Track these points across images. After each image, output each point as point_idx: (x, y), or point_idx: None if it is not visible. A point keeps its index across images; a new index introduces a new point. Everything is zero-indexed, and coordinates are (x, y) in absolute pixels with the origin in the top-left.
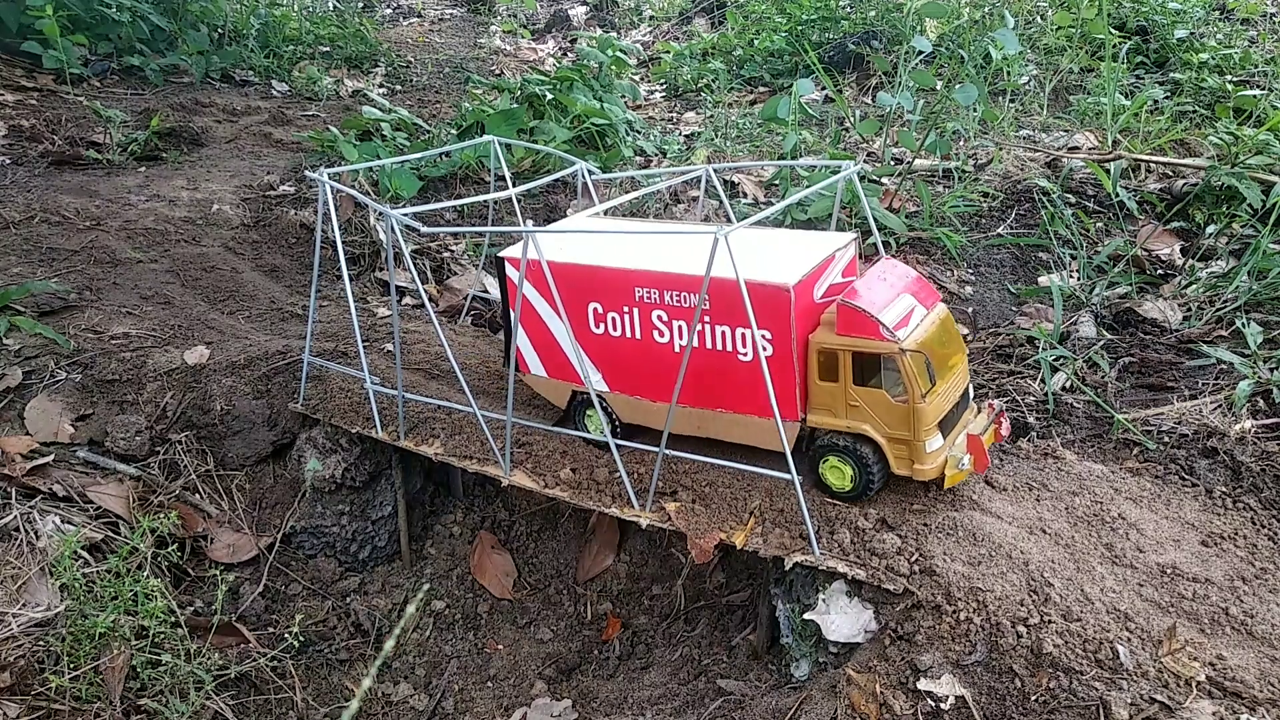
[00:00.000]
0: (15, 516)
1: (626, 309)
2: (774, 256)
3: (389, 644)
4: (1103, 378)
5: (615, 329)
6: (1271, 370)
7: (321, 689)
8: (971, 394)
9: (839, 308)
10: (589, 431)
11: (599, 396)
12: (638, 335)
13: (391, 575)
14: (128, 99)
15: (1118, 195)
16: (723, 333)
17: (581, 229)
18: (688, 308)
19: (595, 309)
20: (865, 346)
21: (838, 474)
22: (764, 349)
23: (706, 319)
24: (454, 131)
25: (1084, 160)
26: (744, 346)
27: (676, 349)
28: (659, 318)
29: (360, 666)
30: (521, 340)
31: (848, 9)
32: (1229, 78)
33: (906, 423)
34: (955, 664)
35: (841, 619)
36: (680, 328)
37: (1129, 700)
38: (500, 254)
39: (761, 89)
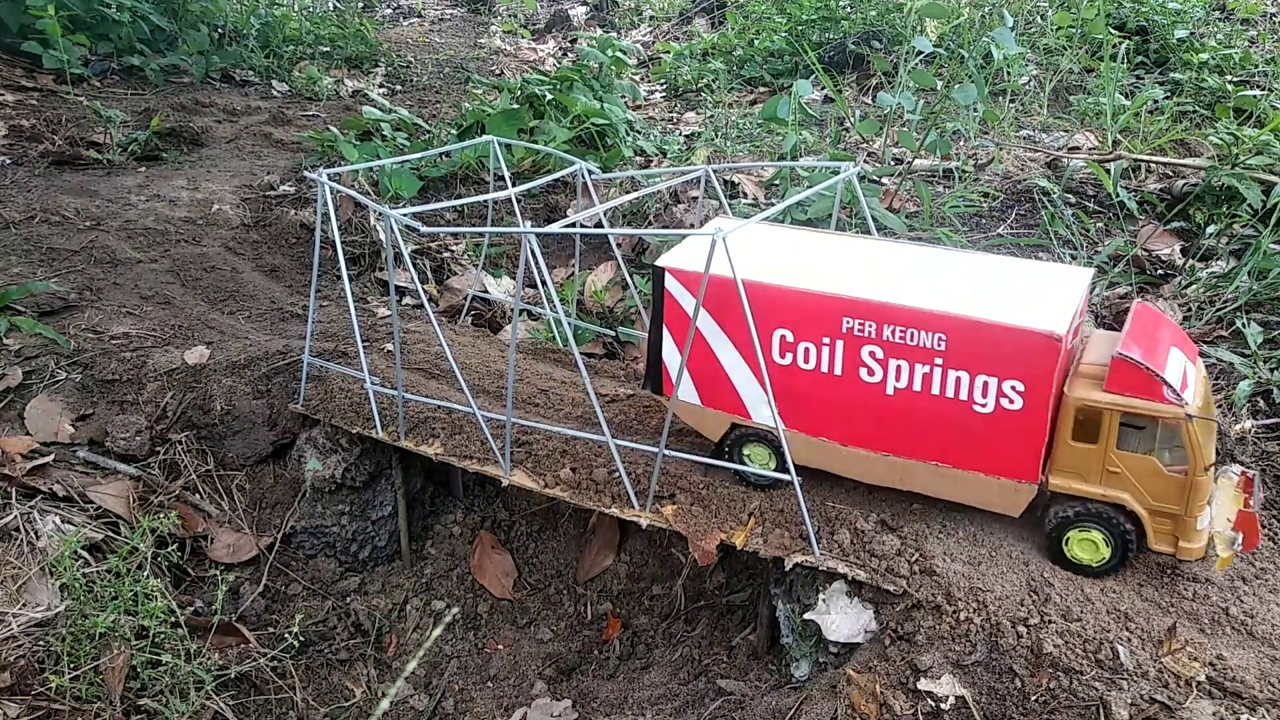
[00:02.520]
0: (15, 516)
1: (827, 340)
2: (1017, 294)
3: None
4: None
5: (807, 361)
6: (1271, 370)
7: (321, 689)
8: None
9: (1114, 361)
10: (746, 468)
11: (773, 434)
12: (838, 371)
13: (391, 575)
14: (128, 99)
15: (1118, 195)
16: (957, 379)
17: (585, 230)
18: (914, 346)
19: (783, 336)
20: (1144, 409)
21: (1089, 548)
22: (1011, 402)
23: (938, 361)
24: (454, 131)
25: (1084, 160)
26: (983, 397)
27: (890, 391)
28: (871, 354)
29: (360, 666)
30: (672, 360)
31: (848, 9)
32: (1229, 78)
33: (1178, 496)
34: (955, 664)
35: (842, 619)
36: (899, 368)
37: (1129, 700)
38: (658, 261)
39: (761, 89)
